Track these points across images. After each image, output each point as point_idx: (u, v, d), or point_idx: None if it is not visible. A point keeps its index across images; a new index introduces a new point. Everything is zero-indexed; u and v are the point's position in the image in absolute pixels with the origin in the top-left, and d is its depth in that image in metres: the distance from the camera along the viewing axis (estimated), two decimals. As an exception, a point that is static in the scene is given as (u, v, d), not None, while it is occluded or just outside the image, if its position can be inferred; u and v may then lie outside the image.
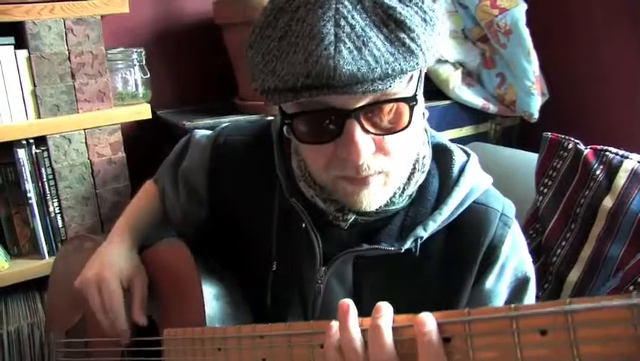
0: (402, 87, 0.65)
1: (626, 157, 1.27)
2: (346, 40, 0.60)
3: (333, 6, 0.62)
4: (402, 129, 0.67)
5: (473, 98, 1.85)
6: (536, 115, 1.83)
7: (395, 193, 0.76)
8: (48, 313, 1.12)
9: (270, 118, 0.89)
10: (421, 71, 0.69)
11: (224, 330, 0.73)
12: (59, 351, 1.01)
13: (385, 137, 0.67)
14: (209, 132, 0.94)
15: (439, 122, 1.83)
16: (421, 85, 0.71)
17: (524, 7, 1.75)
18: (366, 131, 0.65)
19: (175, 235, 0.98)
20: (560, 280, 1.27)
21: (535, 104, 1.81)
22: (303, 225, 0.79)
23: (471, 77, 1.92)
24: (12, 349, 1.45)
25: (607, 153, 1.29)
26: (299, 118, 0.67)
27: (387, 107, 0.65)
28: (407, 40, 0.61)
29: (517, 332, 0.47)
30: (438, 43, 0.66)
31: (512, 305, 0.48)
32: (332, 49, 0.60)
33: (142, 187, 1.04)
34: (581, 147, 1.34)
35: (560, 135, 1.38)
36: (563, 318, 0.44)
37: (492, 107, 1.87)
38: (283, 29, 0.64)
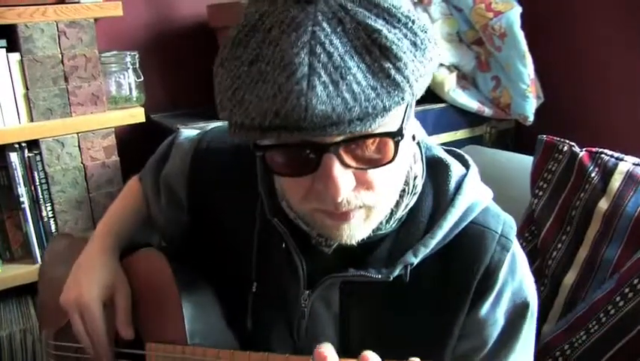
0: (386, 120, 0.57)
1: (621, 159, 1.26)
2: (321, 73, 0.52)
3: (309, 29, 0.54)
4: (386, 163, 0.60)
5: (468, 101, 1.85)
6: (531, 118, 1.83)
7: (381, 221, 0.70)
8: (39, 311, 1.10)
9: None
10: (408, 104, 0.61)
11: (204, 352, 0.72)
12: (50, 352, 0.99)
13: (368, 170, 0.61)
14: (194, 133, 0.90)
15: (434, 125, 1.82)
16: (410, 112, 0.64)
17: (519, 10, 1.75)
18: (346, 166, 0.59)
19: (162, 245, 0.96)
20: (556, 283, 1.27)
21: (530, 107, 1.81)
22: (283, 245, 0.74)
23: (466, 80, 1.92)
24: (4, 355, 1.43)
25: (602, 155, 1.29)
26: (272, 151, 0.61)
27: (370, 142, 0.59)
28: (392, 71, 0.54)
29: None
30: (429, 70, 0.58)
31: None
32: (304, 84, 0.52)
33: (127, 184, 1.01)
34: (577, 149, 1.33)
35: (555, 138, 1.38)
36: None
37: (487, 110, 1.87)
38: (255, 52, 0.56)
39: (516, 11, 1.74)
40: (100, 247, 0.89)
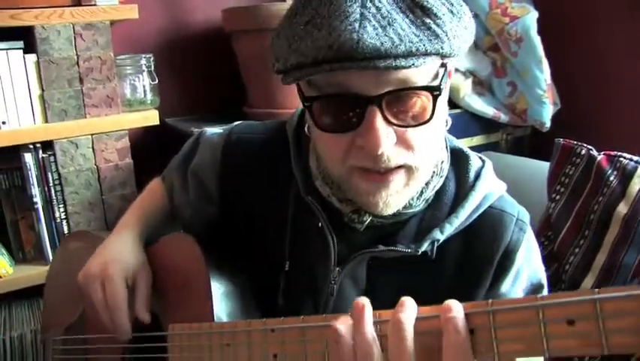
0: (426, 77, 0.64)
1: (641, 163, 1.24)
2: (371, 19, 0.60)
3: None
4: (425, 122, 0.65)
5: (484, 107, 1.83)
6: (548, 124, 1.80)
7: (412, 197, 0.74)
8: (44, 312, 1.10)
9: (283, 119, 0.89)
10: (446, 68, 0.67)
11: (234, 324, 0.71)
12: (55, 349, 0.99)
13: (408, 129, 0.65)
14: (219, 130, 0.93)
15: (449, 131, 1.80)
16: (446, 85, 0.69)
17: (535, 14, 1.74)
18: (388, 122, 0.64)
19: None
20: (573, 288, 1.24)
21: (546, 112, 1.79)
22: (319, 224, 0.77)
23: (482, 86, 1.90)
24: (14, 355, 1.43)
25: (621, 158, 1.26)
26: (319, 101, 0.66)
27: (411, 99, 0.64)
28: (432, 25, 0.61)
29: (544, 322, 0.45)
30: (465, 35, 0.65)
31: (538, 295, 0.46)
32: (357, 25, 0.60)
33: (148, 185, 1.03)
34: (594, 152, 1.31)
35: (572, 141, 1.36)
36: (592, 307, 0.43)
37: (503, 117, 1.85)
38: (310, 14, 0.64)
39: (532, 16, 1.73)
40: (125, 233, 0.91)
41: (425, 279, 0.76)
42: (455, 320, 0.50)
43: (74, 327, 0.97)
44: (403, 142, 0.66)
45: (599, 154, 1.30)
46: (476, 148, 1.85)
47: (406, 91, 0.63)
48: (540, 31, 1.74)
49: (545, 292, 0.82)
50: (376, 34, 0.59)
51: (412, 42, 0.60)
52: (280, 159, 0.83)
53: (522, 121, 1.87)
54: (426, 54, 0.60)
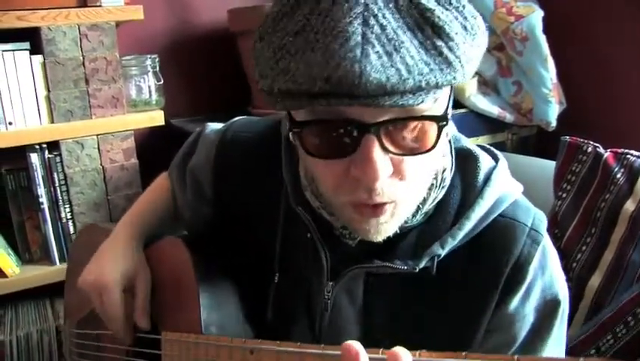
0: (431, 103, 0.56)
1: (648, 160, 1.23)
2: (375, 43, 0.52)
3: (362, 1, 0.53)
4: (426, 151, 0.58)
5: (489, 106, 1.83)
6: (554, 123, 1.79)
7: (408, 216, 0.68)
8: (65, 300, 1.10)
9: (280, 117, 0.83)
10: (451, 86, 0.60)
11: (218, 339, 0.70)
12: (72, 341, 0.99)
13: (405, 158, 0.59)
14: (220, 126, 0.90)
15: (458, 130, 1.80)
16: (451, 102, 0.63)
17: (541, 13, 1.73)
18: (386, 150, 0.57)
19: (185, 233, 0.96)
20: (581, 286, 1.23)
21: (552, 112, 1.78)
22: (308, 235, 0.72)
23: (487, 85, 1.90)
24: (21, 355, 1.43)
25: (628, 156, 1.25)
26: (310, 128, 0.59)
27: (412, 124, 0.57)
28: (444, 50, 0.53)
29: None
30: (477, 56, 0.57)
31: (515, 357, 0.44)
32: (358, 51, 0.51)
33: (155, 180, 1.01)
34: (601, 150, 1.30)
35: (578, 139, 1.35)
36: None
37: (508, 116, 1.84)
38: (301, 23, 0.55)
39: (538, 15, 1.72)
40: (124, 236, 0.89)
41: (426, 297, 0.71)
42: None
43: (86, 321, 0.97)
44: (397, 173, 0.59)
45: (606, 151, 1.29)
46: (482, 148, 1.84)
47: (409, 120, 0.57)
48: (545, 30, 1.73)
49: (562, 308, 0.73)
50: (381, 65, 0.51)
51: (421, 74, 0.52)
52: (273, 162, 0.77)
53: (528, 121, 1.86)
54: (437, 87, 0.53)
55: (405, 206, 0.64)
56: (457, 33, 0.54)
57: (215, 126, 0.91)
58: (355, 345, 0.52)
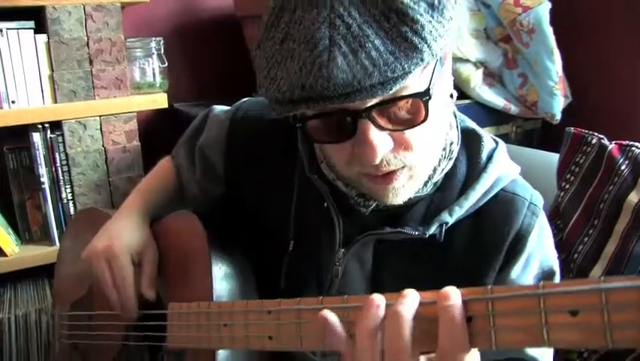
0: (414, 81, 0.60)
1: (653, 153, 1.22)
2: (341, 44, 0.56)
3: (328, 3, 0.57)
4: (419, 123, 0.62)
5: (494, 98, 1.82)
6: (559, 116, 1.78)
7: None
8: (55, 287, 1.10)
9: None
10: (440, 57, 0.63)
11: (232, 304, 0.70)
12: (63, 324, 0.98)
13: (405, 131, 0.63)
14: (227, 108, 0.92)
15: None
16: (441, 74, 0.65)
17: (548, 5, 1.72)
18: (381, 128, 0.61)
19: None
20: (582, 277, 1.22)
21: (557, 104, 1.77)
22: (325, 204, 0.76)
23: (492, 77, 1.89)
24: (19, 333, 1.43)
25: (633, 148, 1.24)
26: (311, 121, 0.65)
27: (402, 104, 0.61)
28: (409, 34, 0.56)
29: (545, 311, 0.43)
30: (449, 29, 0.59)
31: (540, 283, 0.44)
32: (325, 56, 0.56)
33: (158, 163, 1.02)
34: (605, 142, 1.29)
35: (583, 130, 1.34)
36: (597, 298, 0.40)
37: (513, 108, 1.83)
38: (284, 31, 0.60)
39: (545, 7, 1.71)
40: (130, 212, 0.90)
41: (433, 263, 0.74)
42: (451, 309, 0.48)
43: (81, 303, 0.97)
44: (401, 143, 0.64)
45: (611, 143, 1.28)
46: (486, 140, 1.83)
47: (394, 101, 0.61)
48: (552, 23, 1.72)
49: (557, 279, 0.79)
50: (347, 65, 0.55)
51: (387, 65, 0.55)
52: (286, 138, 0.81)
53: (532, 113, 1.85)
54: (404, 73, 0.56)
55: (419, 170, 0.69)
56: (421, 14, 0.56)
57: (222, 108, 0.93)
58: (378, 298, 0.54)
